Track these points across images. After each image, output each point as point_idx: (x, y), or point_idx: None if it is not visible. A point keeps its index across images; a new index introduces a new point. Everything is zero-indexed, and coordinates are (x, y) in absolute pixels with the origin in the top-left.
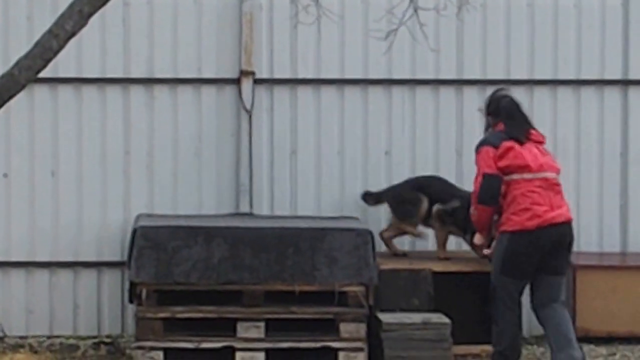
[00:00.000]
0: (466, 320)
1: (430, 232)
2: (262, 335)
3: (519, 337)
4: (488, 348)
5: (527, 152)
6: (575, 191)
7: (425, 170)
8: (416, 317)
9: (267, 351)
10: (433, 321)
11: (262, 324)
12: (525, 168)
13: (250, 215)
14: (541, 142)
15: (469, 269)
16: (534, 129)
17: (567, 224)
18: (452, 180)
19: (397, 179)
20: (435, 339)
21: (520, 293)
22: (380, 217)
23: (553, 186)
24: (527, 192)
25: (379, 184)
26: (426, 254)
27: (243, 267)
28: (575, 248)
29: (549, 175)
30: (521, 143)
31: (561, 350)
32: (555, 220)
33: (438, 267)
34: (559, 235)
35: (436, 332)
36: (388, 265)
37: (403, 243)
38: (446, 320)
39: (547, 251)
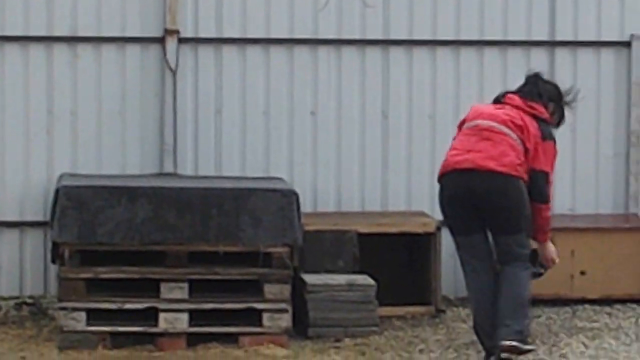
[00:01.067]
0: (391, 281)
1: None
2: (185, 296)
3: (482, 303)
4: (413, 309)
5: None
6: None
7: (350, 131)
8: (341, 279)
9: (191, 312)
10: (358, 283)
11: (185, 285)
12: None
13: (174, 175)
14: (518, 107)
15: (395, 230)
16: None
17: (478, 171)
18: (378, 141)
19: (323, 140)
20: (360, 300)
21: (472, 253)
22: (306, 177)
23: (482, 132)
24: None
25: (304, 145)
26: (352, 214)
27: (167, 228)
28: None
29: (483, 122)
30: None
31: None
32: (460, 165)
33: (363, 228)
34: (468, 182)
35: (361, 293)
36: (313, 226)
37: (328, 203)
38: (371, 281)
39: (464, 202)
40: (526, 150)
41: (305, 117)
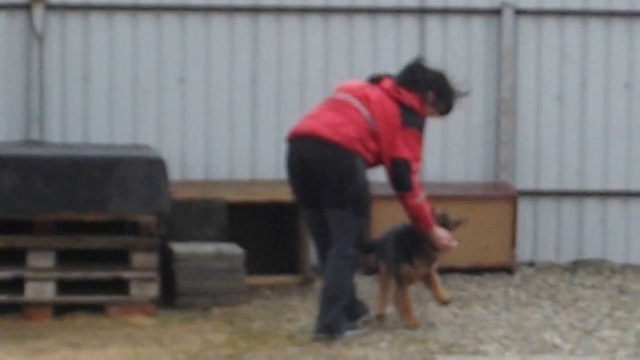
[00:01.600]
0: (260, 250)
1: None
2: (52, 265)
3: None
4: (282, 279)
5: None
6: None
7: (219, 99)
8: (209, 248)
9: (58, 281)
10: (226, 252)
11: (52, 254)
12: None
13: (41, 143)
14: (385, 90)
15: (264, 198)
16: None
17: (312, 137)
18: (247, 109)
19: (192, 107)
20: (228, 269)
21: (310, 230)
22: (174, 145)
23: (334, 102)
24: None
25: (172, 113)
26: (220, 183)
27: (33, 196)
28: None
29: (339, 95)
30: None
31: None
32: (298, 131)
33: (232, 196)
34: (300, 147)
35: (229, 262)
36: (181, 194)
37: (196, 171)
38: (240, 250)
39: (297, 169)
40: (377, 134)
41: (174, 85)
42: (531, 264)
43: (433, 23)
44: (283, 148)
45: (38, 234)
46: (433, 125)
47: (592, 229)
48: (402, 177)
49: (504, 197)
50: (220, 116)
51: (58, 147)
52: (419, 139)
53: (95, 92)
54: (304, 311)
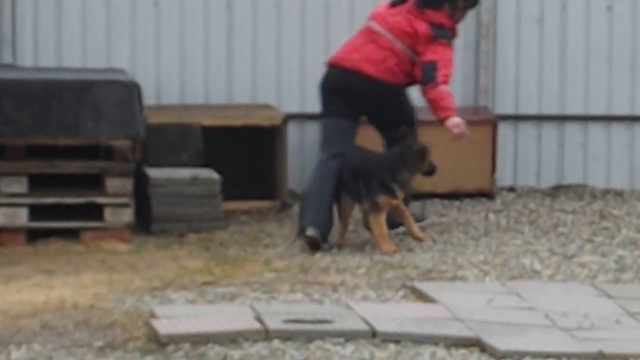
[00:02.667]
0: (237, 175)
1: None
2: (24, 191)
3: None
4: (258, 204)
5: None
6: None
7: (194, 22)
8: (185, 173)
9: (30, 207)
10: (202, 176)
11: (24, 179)
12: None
13: (12, 66)
14: (410, 12)
15: (240, 123)
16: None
17: (357, 73)
18: (222, 32)
19: (166, 30)
20: (204, 194)
21: (340, 134)
22: (149, 69)
23: (372, 34)
24: None
25: (146, 36)
26: (196, 107)
27: (5, 120)
28: None
29: (375, 26)
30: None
31: None
32: (342, 63)
33: (208, 121)
34: (346, 81)
35: (205, 187)
36: (156, 119)
37: (172, 95)
38: (216, 175)
39: (340, 96)
40: (417, 54)
41: (148, 8)
42: (511, 189)
43: None
44: (259, 72)
45: (9, 159)
46: None
47: (573, 154)
48: (427, 73)
49: (483, 122)
50: (195, 40)
51: (30, 70)
52: (447, 46)
53: (68, 15)
54: (281, 237)
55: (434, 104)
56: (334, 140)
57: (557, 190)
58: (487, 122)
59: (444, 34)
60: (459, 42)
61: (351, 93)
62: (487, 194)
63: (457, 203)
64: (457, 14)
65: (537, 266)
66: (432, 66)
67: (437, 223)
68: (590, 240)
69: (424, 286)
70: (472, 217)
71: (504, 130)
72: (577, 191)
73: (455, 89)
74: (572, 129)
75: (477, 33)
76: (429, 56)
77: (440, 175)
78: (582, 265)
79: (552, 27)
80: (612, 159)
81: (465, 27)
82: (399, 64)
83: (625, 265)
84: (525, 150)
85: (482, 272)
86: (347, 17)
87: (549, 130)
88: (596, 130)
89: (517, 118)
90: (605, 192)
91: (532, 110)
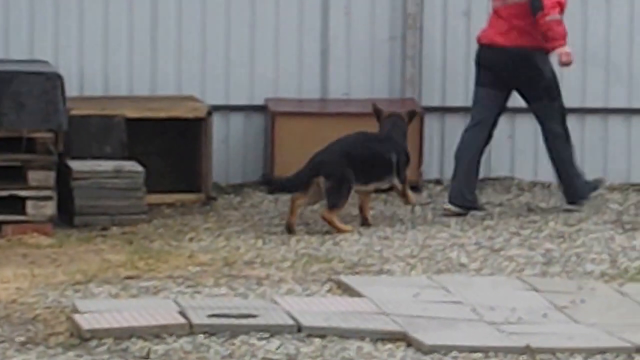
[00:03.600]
0: (161, 168)
1: None
2: None
3: None
4: (182, 197)
5: None
6: (274, 36)
7: (117, 13)
8: (108, 165)
9: None
10: (126, 169)
11: None
12: None
13: None
14: None
15: (164, 115)
16: None
17: (490, 46)
18: (146, 23)
19: (90, 21)
20: (128, 187)
21: (482, 103)
22: (71, 60)
23: (495, 12)
24: None
25: (69, 26)
26: (120, 99)
27: None
28: (271, 93)
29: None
30: None
31: None
32: (478, 39)
33: (132, 113)
34: (484, 55)
35: (129, 180)
36: (79, 110)
37: (95, 87)
38: (139, 168)
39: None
40: None
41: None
42: (438, 182)
43: None
44: (184, 63)
45: None
46: (337, 41)
47: (500, 147)
48: (534, 2)
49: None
50: (119, 31)
51: None
52: None
53: None
54: (206, 230)
55: (544, 34)
56: (475, 108)
57: (484, 183)
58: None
59: None
60: (384, 34)
61: (489, 65)
62: (413, 187)
63: (383, 196)
64: None
65: (464, 260)
66: None
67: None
68: (517, 234)
69: (350, 280)
70: (398, 210)
71: (431, 123)
72: (504, 184)
73: (382, 81)
74: (500, 122)
75: (404, 25)
76: None
77: None
78: (509, 258)
79: (478, 19)
80: (539, 151)
81: (392, 19)
82: (522, 18)
83: (552, 258)
84: (452, 143)
85: (409, 266)
86: (272, 9)
87: None
88: (523, 123)
89: (444, 110)
90: (532, 184)
91: (459, 102)
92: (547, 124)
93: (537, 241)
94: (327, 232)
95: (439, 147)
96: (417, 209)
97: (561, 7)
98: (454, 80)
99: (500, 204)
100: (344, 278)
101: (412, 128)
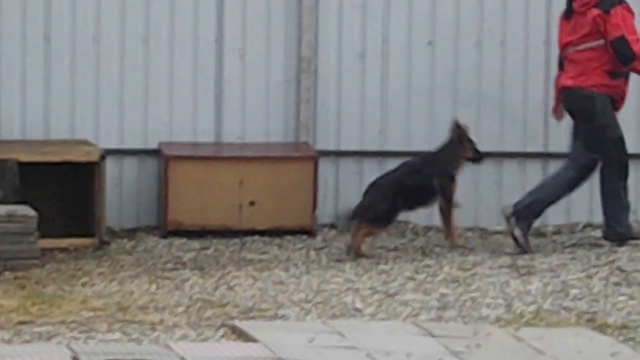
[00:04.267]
0: (54, 212)
1: None
2: None
3: None
4: (75, 242)
5: None
6: (168, 79)
7: (10, 55)
8: (1, 210)
9: None
10: (18, 213)
11: None
12: None
13: None
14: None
15: (57, 159)
16: None
17: (564, 89)
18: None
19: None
20: (20, 232)
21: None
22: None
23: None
24: None
25: None
26: (12, 142)
27: None
28: (165, 137)
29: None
30: None
31: None
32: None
33: (24, 156)
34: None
35: (21, 224)
36: None
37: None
38: (32, 212)
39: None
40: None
41: None
42: (333, 226)
43: None
44: (78, 107)
45: None
46: (231, 85)
47: None
48: (623, 53)
49: (304, 158)
50: (11, 73)
51: None
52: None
53: None
54: (99, 275)
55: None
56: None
57: None
58: (307, 158)
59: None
60: (279, 77)
61: (571, 110)
62: (308, 231)
63: (278, 240)
64: None
65: (359, 304)
66: (622, 42)
67: (257, 260)
68: (412, 278)
69: (245, 325)
70: (293, 254)
71: (325, 167)
72: (399, 228)
73: (276, 125)
74: (392, 164)
75: (298, 68)
76: (612, 33)
77: (261, 212)
78: (405, 303)
79: (373, 62)
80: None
81: (286, 62)
82: (594, 60)
83: (447, 303)
84: (347, 187)
85: (304, 311)
86: (166, 51)
87: (371, 166)
88: None
89: (339, 154)
90: (427, 229)
91: (353, 146)
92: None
93: (432, 286)
94: (221, 277)
95: (333, 191)
96: (312, 253)
97: None
98: (348, 124)
99: (395, 248)
100: (238, 323)
101: (306, 172)
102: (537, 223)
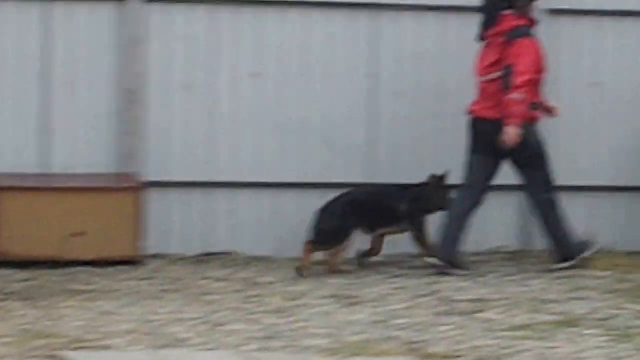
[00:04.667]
0: None
1: None
2: None
3: None
4: None
5: None
6: None
7: None
8: None
9: None
10: None
11: None
12: None
13: None
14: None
15: None
16: None
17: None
18: None
19: None
20: None
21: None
22: None
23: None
24: None
25: None
26: None
27: None
28: None
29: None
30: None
31: None
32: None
33: None
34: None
35: None
36: None
37: None
38: None
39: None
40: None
41: None
42: (159, 257)
43: (59, 11)
44: None
45: None
46: (58, 116)
47: (221, 221)
48: (507, 79)
49: (129, 189)
50: None
51: None
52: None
53: None
54: None
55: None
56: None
57: (205, 258)
58: (132, 189)
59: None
60: (105, 108)
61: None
62: (134, 261)
63: (103, 271)
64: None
65: (186, 335)
66: (508, 71)
67: (84, 291)
68: (239, 308)
69: (72, 356)
70: (119, 285)
71: (152, 197)
72: (226, 258)
73: (102, 156)
74: (220, 195)
75: (125, 99)
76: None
77: (87, 243)
78: (231, 333)
79: (200, 93)
80: (260, 225)
81: (111, 93)
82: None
83: (273, 333)
84: (174, 217)
85: (130, 341)
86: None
87: (198, 197)
88: (244, 197)
89: (165, 185)
90: (253, 259)
91: (180, 176)
92: (531, 192)
93: (258, 316)
94: (48, 308)
95: (160, 222)
96: (138, 283)
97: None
98: (174, 154)
99: (222, 279)
100: (65, 354)
101: (132, 203)
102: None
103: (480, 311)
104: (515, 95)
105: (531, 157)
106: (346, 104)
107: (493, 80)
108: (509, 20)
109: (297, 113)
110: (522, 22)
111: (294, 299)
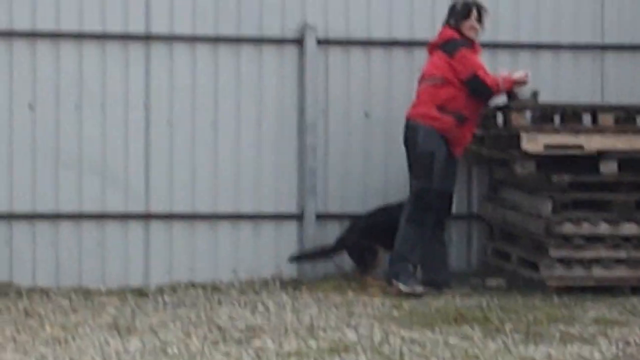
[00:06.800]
0: None
1: None
2: None
3: None
4: None
5: None
6: None
7: None
8: None
9: None
10: None
11: None
12: None
13: None
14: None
15: None
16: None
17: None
18: None
19: None
20: None
21: None
22: None
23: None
24: None
25: None
26: None
27: None
28: None
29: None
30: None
31: None
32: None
33: None
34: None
35: None
36: None
37: None
38: None
39: None
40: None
41: None
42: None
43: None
44: None
45: None
46: None
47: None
48: (479, 90)
49: None
50: None
51: None
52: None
53: None
54: None
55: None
56: None
57: None
58: None
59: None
60: None
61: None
62: None
63: None
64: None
65: None
66: (476, 79)
67: None
68: (13, 339)
69: None
70: None
71: None
72: (3, 289)
73: None
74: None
75: None
76: (466, 72)
77: None
78: None
79: (44, 114)
80: (38, 256)
81: None
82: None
83: None
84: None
85: None
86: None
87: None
88: (20, 228)
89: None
90: (31, 290)
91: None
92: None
93: (32, 346)
94: None
95: None
96: None
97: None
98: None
99: None
100: None
101: None
102: (139, 283)
103: (254, 338)
104: (490, 80)
105: (415, 162)
106: (122, 135)
107: (428, 86)
108: (446, 32)
109: (73, 144)
110: (457, 36)
111: (69, 328)
